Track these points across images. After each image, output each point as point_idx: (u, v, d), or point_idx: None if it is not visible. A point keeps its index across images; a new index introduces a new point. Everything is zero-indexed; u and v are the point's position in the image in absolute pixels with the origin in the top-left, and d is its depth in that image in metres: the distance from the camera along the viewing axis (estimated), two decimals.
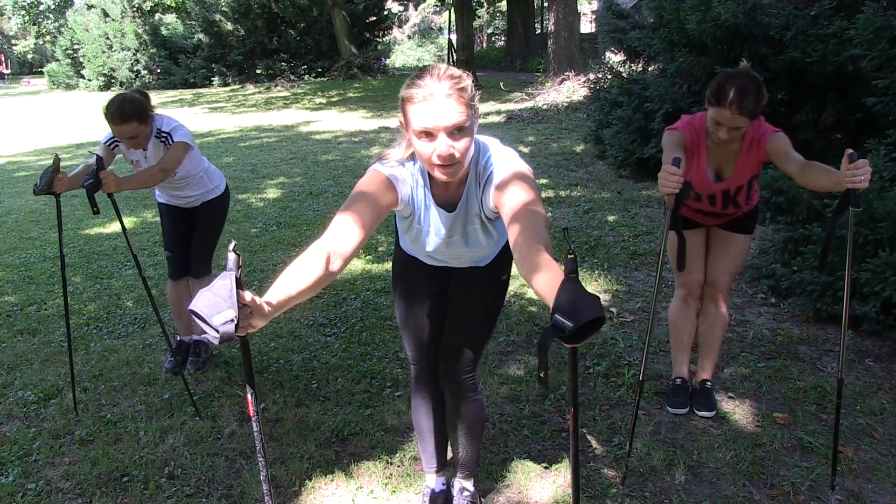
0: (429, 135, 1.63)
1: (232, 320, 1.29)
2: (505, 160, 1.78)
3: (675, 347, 3.02)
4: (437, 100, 1.60)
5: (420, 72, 1.67)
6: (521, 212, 1.61)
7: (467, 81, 1.67)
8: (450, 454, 2.47)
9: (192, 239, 3.42)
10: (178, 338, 3.49)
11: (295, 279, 1.49)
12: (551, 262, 1.44)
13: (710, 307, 2.94)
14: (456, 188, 1.84)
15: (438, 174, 1.70)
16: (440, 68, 1.67)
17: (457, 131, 1.63)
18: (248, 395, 1.48)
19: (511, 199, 1.66)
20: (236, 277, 1.32)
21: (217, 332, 1.29)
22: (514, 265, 1.80)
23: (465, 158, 1.69)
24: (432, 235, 1.94)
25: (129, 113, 2.92)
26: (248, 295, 1.34)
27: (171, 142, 3.06)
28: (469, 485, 2.36)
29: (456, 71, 1.68)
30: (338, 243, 1.60)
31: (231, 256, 1.33)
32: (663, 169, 2.24)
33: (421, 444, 2.38)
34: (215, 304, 1.29)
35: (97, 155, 2.84)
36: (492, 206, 1.78)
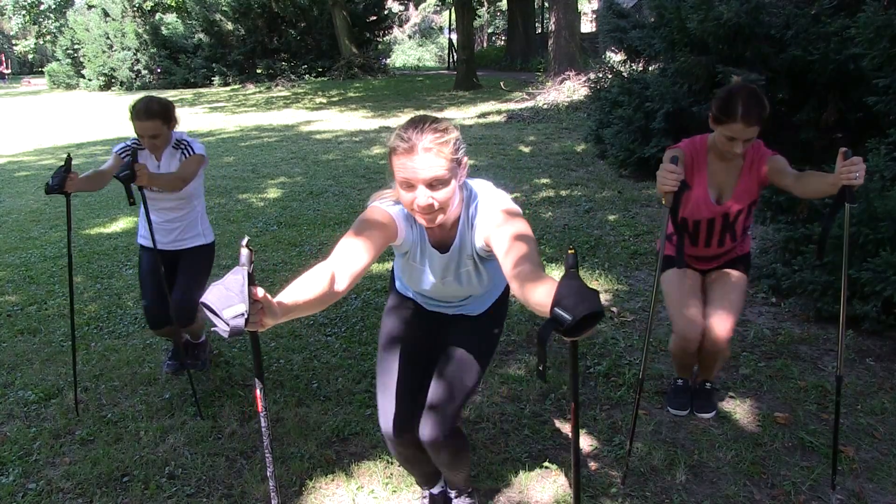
0: (409, 185, 1.71)
1: (242, 314, 1.30)
2: (492, 200, 1.84)
3: (677, 368, 2.97)
4: (417, 153, 1.68)
5: (407, 123, 1.74)
6: (512, 243, 1.66)
7: (451, 135, 1.73)
8: None
9: (170, 286, 3.07)
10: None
11: (302, 290, 1.52)
12: (548, 278, 1.47)
13: (716, 350, 2.68)
14: (449, 230, 1.89)
15: (420, 220, 1.78)
16: (427, 121, 1.73)
17: (436, 183, 1.70)
18: (257, 390, 1.50)
19: (501, 234, 1.72)
20: (248, 273, 1.33)
21: (227, 325, 1.29)
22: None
23: (447, 207, 1.75)
24: (428, 274, 1.98)
25: (155, 110, 2.94)
26: (260, 291, 1.35)
27: (190, 151, 3.05)
28: (467, 490, 2.36)
29: (442, 124, 1.73)
30: (343, 265, 1.65)
31: (244, 252, 1.34)
32: (662, 167, 2.26)
33: (409, 473, 2.37)
34: (227, 298, 1.30)
35: (134, 147, 2.92)
36: (482, 245, 1.83)
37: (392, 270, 2.27)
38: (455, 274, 1.96)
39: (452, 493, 2.36)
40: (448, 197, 1.73)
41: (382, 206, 1.85)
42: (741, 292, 2.72)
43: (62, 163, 2.74)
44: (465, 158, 1.79)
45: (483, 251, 1.87)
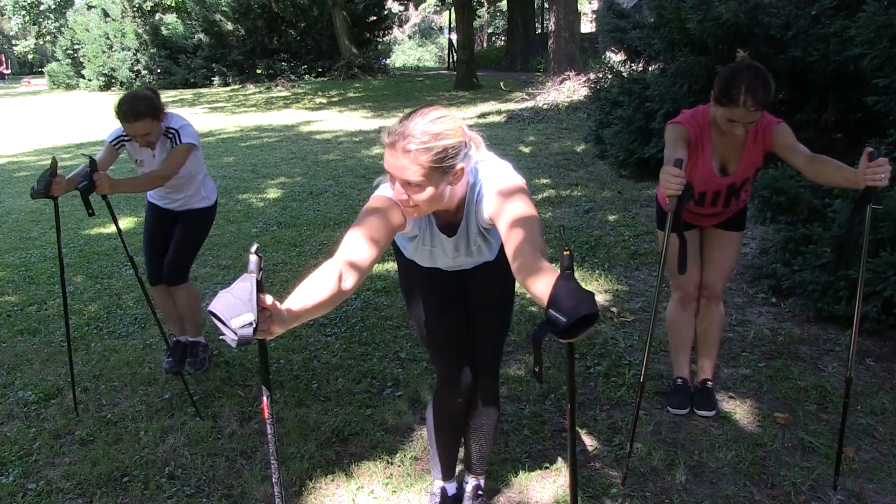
0: (391, 176, 1.70)
1: (251, 324, 1.28)
2: (494, 175, 1.79)
3: (674, 349, 3.02)
4: (397, 150, 1.64)
5: (408, 113, 1.69)
6: (515, 223, 1.63)
7: (439, 143, 1.63)
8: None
9: (168, 245, 3.31)
10: (175, 337, 3.49)
11: (310, 292, 1.49)
12: (549, 267, 1.46)
13: (707, 308, 2.92)
14: (455, 213, 1.86)
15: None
16: (425, 118, 1.65)
17: (411, 184, 1.66)
18: (264, 398, 1.48)
19: (505, 213, 1.68)
20: (257, 280, 1.30)
21: (235, 335, 1.27)
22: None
23: (425, 205, 1.71)
24: (439, 255, 1.98)
25: (141, 110, 2.90)
26: (269, 299, 1.33)
27: (178, 140, 3.01)
28: (482, 481, 2.38)
29: (437, 126, 1.64)
30: (349, 262, 1.61)
31: (253, 259, 1.32)
32: (665, 171, 2.21)
33: (439, 455, 2.32)
34: (234, 307, 1.28)
35: (91, 157, 2.82)
36: (486, 219, 1.81)
37: (395, 248, 2.20)
38: (466, 251, 1.96)
39: (471, 477, 2.36)
40: (424, 199, 1.68)
41: (385, 192, 1.80)
42: (736, 249, 2.87)
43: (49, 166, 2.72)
44: (461, 166, 1.70)
45: (488, 224, 1.84)
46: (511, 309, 2.22)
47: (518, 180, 1.78)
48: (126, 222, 6.29)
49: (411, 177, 1.64)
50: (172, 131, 3.04)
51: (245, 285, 1.29)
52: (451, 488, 2.37)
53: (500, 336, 2.19)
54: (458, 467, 2.41)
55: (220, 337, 1.31)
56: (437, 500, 2.36)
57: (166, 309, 3.45)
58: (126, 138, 3.06)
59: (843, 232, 2.43)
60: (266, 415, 1.49)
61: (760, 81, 2.35)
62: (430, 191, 1.67)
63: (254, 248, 1.33)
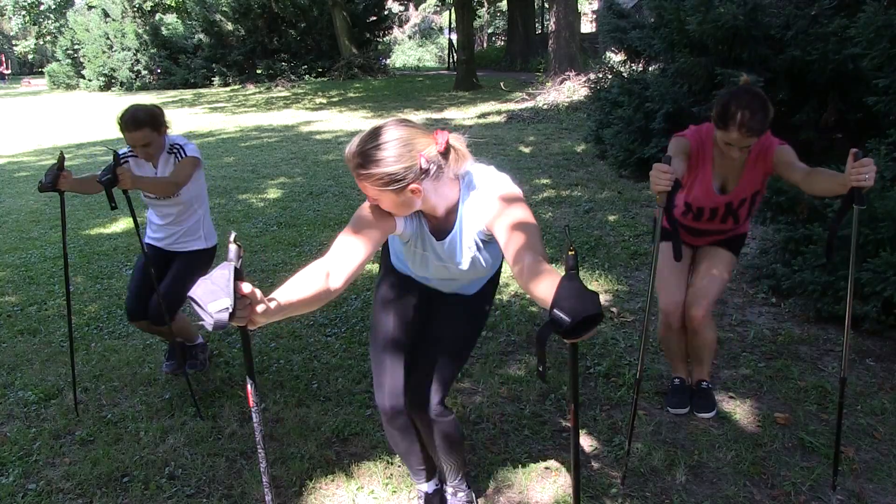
0: None
1: (227, 308, 1.33)
2: (491, 186, 1.82)
3: (668, 358, 3.02)
4: (350, 171, 1.74)
5: (366, 133, 1.72)
6: (514, 230, 1.67)
7: (378, 171, 1.67)
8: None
9: (154, 287, 2.99)
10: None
11: (296, 288, 1.55)
12: (551, 269, 1.48)
13: (694, 334, 2.78)
14: (447, 217, 1.88)
15: None
16: (373, 142, 1.68)
17: (371, 195, 1.75)
18: (248, 387, 1.51)
19: (503, 221, 1.72)
20: (236, 268, 1.35)
21: (211, 318, 1.32)
22: (501, 271, 1.92)
23: (393, 210, 1.78)
24: (431, 259, 1.98)
25: (141, 119, 2.92)
26: (247, 287, 1.37)
27: (183, 154, 3.03)
28: (462, 486, 2.36)
29: (377, 155, 1.67)
30: (339, 262, 1.67)
31: (232, 248, 1.37)
32: (654, 167, 2.22)
33: (404, 462, 2.36)
34: (212, 292, 1.33)
35: (115, 151, 2.87)
36: (483, 230, 1.84)
37: (384, 248, 2.26)
38: (459, 258, 1.96)
39: (448, 491, 2.35)
40: (387, 207, 1.76)
41: None
42: (726, 271, 2.74)
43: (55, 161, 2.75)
44: (414, 185, 1.70)
45: (484, 235, 1.87)
46: (469, 349, 2.17)
47: (512, 188, 1.81)
48: (126, 222, 6.30)
49: (365, 191, 1.75)
50: (177, 147, 3.06)
51: (223, 272, 1.34)
52: (430, 487, 2.35)
53: (452, 366, 2.11)
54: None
55: (199, 322, 1.35)
56: (422, 502, 2.36)
57: (144, 329, 3.28)
58: (130, 155, 3.08)
59: (829, 233, 2.45)
60: (251, 403, 1.52)
61: (757, 108, 2.34)
62: (388, 202, 1.76)
63: (232, 237, 1.38)
